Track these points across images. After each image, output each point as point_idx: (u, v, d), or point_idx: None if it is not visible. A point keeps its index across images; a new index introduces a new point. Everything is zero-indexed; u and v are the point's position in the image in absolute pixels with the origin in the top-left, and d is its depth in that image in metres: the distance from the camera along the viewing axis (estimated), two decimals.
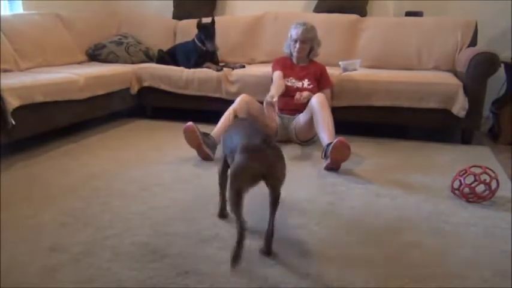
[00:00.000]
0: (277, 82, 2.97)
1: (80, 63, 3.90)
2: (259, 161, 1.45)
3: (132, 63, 3.91)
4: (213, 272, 1.47)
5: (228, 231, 1.76)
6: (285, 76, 3.07)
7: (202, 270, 1.48)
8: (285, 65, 3.15)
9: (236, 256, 1.41)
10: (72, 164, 2.59)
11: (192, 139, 2.61)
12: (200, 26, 3.58)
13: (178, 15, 4.42)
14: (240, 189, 1.44)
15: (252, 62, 4.00)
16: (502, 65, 3.23)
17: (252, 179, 1.47)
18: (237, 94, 3.15)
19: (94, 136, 3.25)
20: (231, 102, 2.95)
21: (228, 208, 1.60)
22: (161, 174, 2.42)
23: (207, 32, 3.57)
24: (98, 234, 1.72)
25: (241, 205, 1.45)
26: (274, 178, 1.50)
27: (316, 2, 4.08)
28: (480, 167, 2.12)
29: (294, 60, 3.19)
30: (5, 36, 3.28)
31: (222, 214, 1.86)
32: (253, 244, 1.64)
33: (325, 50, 3.39)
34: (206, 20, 3.63)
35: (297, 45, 3.08)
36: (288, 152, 2.88)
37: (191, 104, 3.63)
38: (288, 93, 3.03)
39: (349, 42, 3.80)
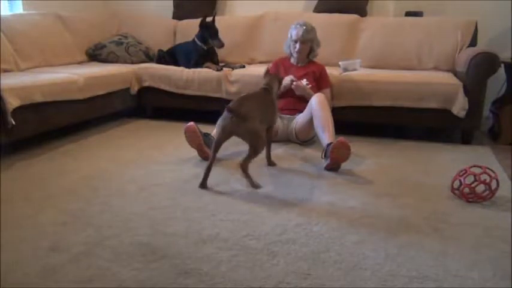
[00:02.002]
0: None
1: (80, 63, 3.90)
2: (225, 124, 2.16)
3: (132, 63, 3.92)
4: (213, 272, 1.47)
5: (228, 231, 1.76)
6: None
7: (202, 270, 1.48)
8: (284, 66, 3.16)
9: (204, 181, 2.21)
10: (72, 164, 2.59)
11: (193, 139, 2.61)
12: (204, 25, 3.59)
13: (178, 15, 4.42)
14: (216, 139, 2.21)
15: (252, 62, 4.00)
16: (502, 65, 3.23)
17: (222, 133, 2.18)
18: (237, 94, 3.16)
19: (94, 136, 3.25)
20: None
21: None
22: (161, 174, 2.42)
23: (212, 30, 3.58)
24: (98, 234, 1.72)
25: (216, 149, 2.22)
26: (239, 136, 2.18)
27: (316, 2, 4.08)
28: (480, 167, 2.12)
29: (294, 60, 3.19)
30: (5, 36, 3.28)
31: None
32: (252, 244, 1.64)
33: (325, 50, 3.39)
34: (208, 19, 3.63)
35: (297, 45, 3.08)
36: (288, 152, 2.88)
37: (191, 104, 3.64)
38: (287, 93, 3.04)
39: (349, 42, 3.80)
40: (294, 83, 2.95)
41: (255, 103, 2.28)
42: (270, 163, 2.58)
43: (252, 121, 2.16)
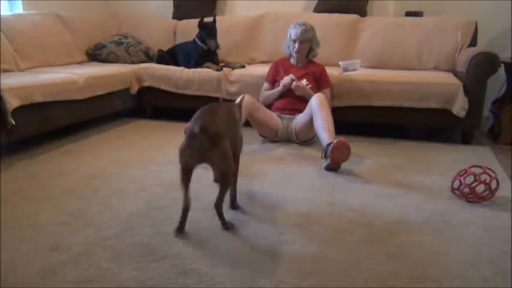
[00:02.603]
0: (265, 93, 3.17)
1: (80, 63, 3.90)
2: (194, 148, 1.66)
3: (132, 63, 3.92)
4: (213, 272, 1.47)
5: (228, 231, 1.76)
6: (282, 79, 3.09)
7: (202, 270, 1.48)
8: (284, 66, 3.16)
9: (180, 225, 1.73)
10: (72, 164, 2.59)
11: None
12: (202, 25, 3.59)
13: (178, 15, 4.42)
14: (182, 168, 1.71)
15: (252, 62, 4.00)
16: (502, 65, 3.23)
17: (190, 161, 1.70)
18: (237, 94, 3.16)
19: (94, 136, 3.25)
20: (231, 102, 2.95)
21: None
22: (161, 174, 2.42)
23: (209, 30, 3.58)
24: (98, 234, 1.72)
25: (186, 181, 1.71)
26: (210, 162, 1.72)
27: (316, 2, 4.08)
28: (480, 167, 2.12)
29: (294, 60, 3.19)
30: (5, 36, 3.28)
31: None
32: (252, 244, 1.64)
33: (325, 50, 3.39)
34: (207, 19, 3.63)
35: (296, 45, 3.08)
36: (288, 152, 2.88)
37: (191, 104, 3.61)
38: (287, 93, 3.04)
39: (349, 42, 3.80)
40: (294, 83, 2.96)
41: (223, 118, 1.79)
42: (235, 206, 1.97)
43: (225, 142, 1.70)
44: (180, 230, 1.73)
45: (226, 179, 1.73)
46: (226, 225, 1.78)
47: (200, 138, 1.62)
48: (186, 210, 1.73)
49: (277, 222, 1.85)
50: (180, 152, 1.70)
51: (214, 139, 1.65)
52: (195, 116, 1.75)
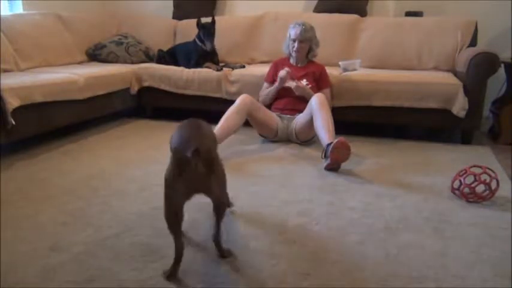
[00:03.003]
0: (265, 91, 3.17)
1: (80, 63, 3.90)
2: (188, 177, 1.32)
3: (132, 63, 3.92)
4: (213, 272, 1.47)
5: (228, 232, 1.76)
6: None
7: (202, 270, 1.48)
8: (283, 66, 3.16)
9: (173, 273, 1.43)
10: (72, 164, 2.59)
11: None
12: (200, 25, 3.59)
13: (178, 15, 4.42)
14: (172, 205, 1.37)
15: (251, 62, 4.00)
16: (502, 65, 3.23)
17: (184, 194, 1.37)
18: (237, 94, 3.16)
19: (94, 136, 3.25)
20: (231, 102, 2.95)
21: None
22: (161, 174, 2.39)
23: (206, 31, 3.57)
24: (98, 234, 1.72)
25: (178, 223, 1.40)
26: (207, 192, 1.41)
27: (316, 2, 4.08)
28: (480, 167, 2.12)
29: (293, 60, 3.19)
30: (5, 36, 3.28)
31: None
32: (252, 244, 1.64)
33: (325, 50, 3.39)
34: (206, 19, 3.63)
35: (296, 44, 3.08)
36: (288, 152, 2.88)
37: (191, 104, 3.64)
38: (286, 93, 3.04)
39: (349, 42, 3.80)
40: (294, 84, 2.95)
41: (211, 136, 1.49)
42: (223, 254, 1.57)
43: (220, 164, 1.46)
44: (172, 276, 1.43)
45: (224, 207, 1.52)
46: (224, 254, 1.56)
47: (195, 164, 1.29)
48: (179, 258, 1.42)
49: (277, 222, 1.85)
50: (168, 184, 1.35)
51: (211, 163, 1.36)
52: (179, 134, 1.39)
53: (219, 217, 1.50)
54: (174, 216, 1.39)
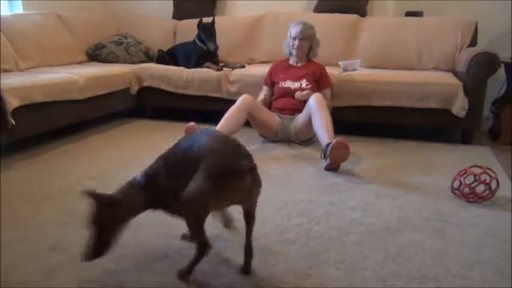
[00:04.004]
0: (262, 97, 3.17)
1: (80, 63, 3.90)
2: (243, 189, 1.33)
3: (132, 63, 3.92)
4: (213, 272, 1.47)
5: (229, 231, 1.76)
6: (281, 80, 3.10)
7: (203, 270, 1.48)
8: (282, 67, 3.16)
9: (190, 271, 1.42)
10: (72, 164, 2.59)
11: None
12: (201, 26, 3.59)
13: (178, 15, 4.42)
14: (203, 215, 1.35)
15: (251, 62, 4.00)
16: (502, 65, 3.23)
17: (218, 207, 1.39)
18: (237, 94, 3.16)
19: (94, 136, 3.25)
20: (231, 102, 2.95)
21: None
22: None
23: (207, 31, 3.58)
24: None
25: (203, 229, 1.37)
26: (250, 202, 1.41)
27: (316, 2, 4.08)
28: (480, 167, 2.12)
29: (293, 59, 3.19)
30: (5, 36, 3.28)
31: None
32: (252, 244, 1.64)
33: (325, 50, 3.39)
34: (206, 19, 3.63)
35: (296, 42, 3.08)
36: (288, 152, 2.88)
37: (191, 104, 3.63)
38: (286, 94, 3.05)
39: (349, 42, 3.80)
40: (298, 95, 2.96)
41: (242, 146, 1.44)
42: (248, 268, 1.50)
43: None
44: (188, 274, 1.43)
45: (254, 214, 1.47)
46: (249, 269, 1.48)
47: (249, 176, 1.32)
48: (203, 255, 1.41)
49: (277, 222, 1.85)
50: (203, 202, 1.32)
51: (257, 174, 1.37)
52: (219, 155, 1.34)
53: (251, 225, 1.47)
54: (203, 224, 1.37)
